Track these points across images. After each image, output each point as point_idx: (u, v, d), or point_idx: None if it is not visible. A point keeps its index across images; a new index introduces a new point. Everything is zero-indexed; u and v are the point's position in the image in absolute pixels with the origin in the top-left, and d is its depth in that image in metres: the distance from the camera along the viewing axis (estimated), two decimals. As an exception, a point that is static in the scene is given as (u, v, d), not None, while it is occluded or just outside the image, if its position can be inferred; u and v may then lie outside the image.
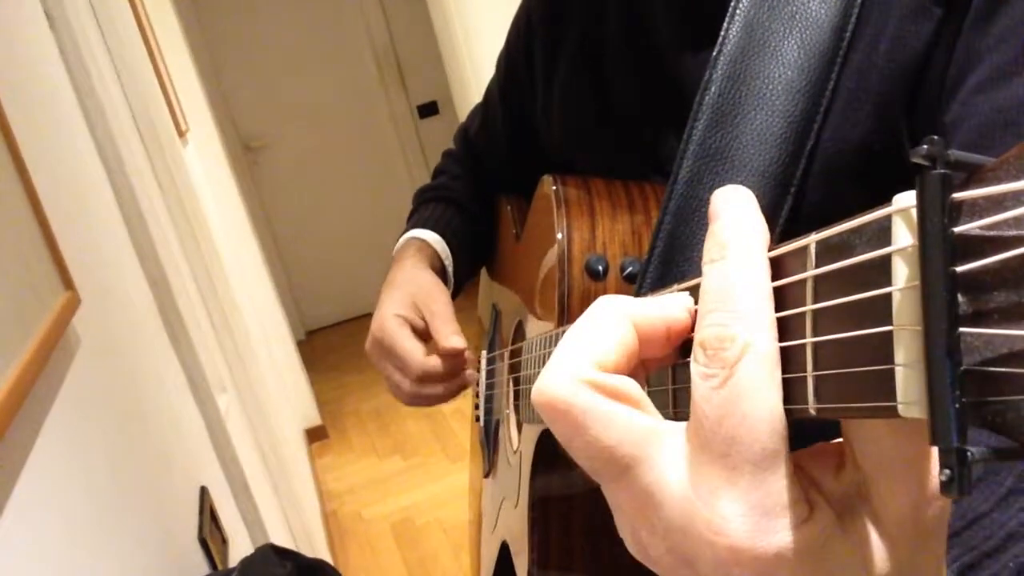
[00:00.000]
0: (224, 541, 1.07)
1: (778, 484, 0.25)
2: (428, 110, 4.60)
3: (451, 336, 0.81)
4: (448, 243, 0.94)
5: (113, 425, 0.85)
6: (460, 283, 0.97)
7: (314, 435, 3.48)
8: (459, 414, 3.25)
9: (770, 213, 0.57)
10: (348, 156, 4.57)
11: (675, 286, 0.34)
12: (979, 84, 0.49)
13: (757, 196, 0.27)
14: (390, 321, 0.83)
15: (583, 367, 0.27)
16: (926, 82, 0.53)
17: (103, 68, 1.25)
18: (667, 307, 0.30)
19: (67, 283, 0.75)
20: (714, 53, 0.58)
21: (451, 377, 0.83)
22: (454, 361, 0.82)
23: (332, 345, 4.48)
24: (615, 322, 0.29)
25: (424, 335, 0.85)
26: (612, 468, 0.27)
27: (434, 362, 0.81)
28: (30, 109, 0.88)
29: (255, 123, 4.41)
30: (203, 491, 1.07)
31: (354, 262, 4.59)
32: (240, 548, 1.20)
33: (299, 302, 4.65)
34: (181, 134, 2.34)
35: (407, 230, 0.97)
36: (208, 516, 1.03)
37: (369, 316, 0.88)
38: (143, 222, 1.19)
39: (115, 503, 0.78)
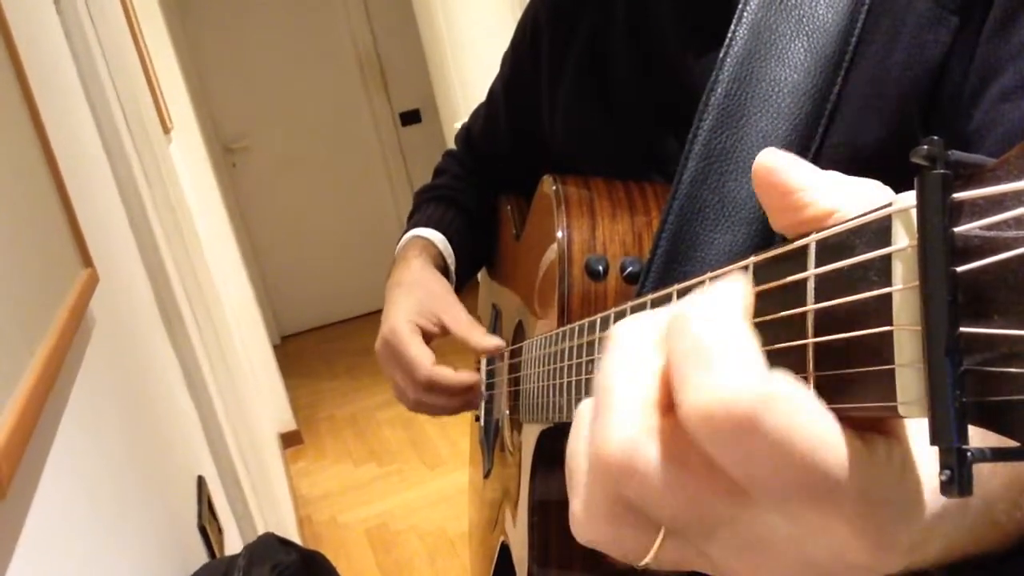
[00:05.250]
0: (219, 531, 1.06)
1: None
2: (411, 118, 4.58)
3: (485, 336, 0.81)
4: (451, 242, 0.94)
5: (124, 408, 0.84)
6: (462, 283, 0.97)
7: (288, 440, 3.43)
8: (436, 422, 3.24)
9: None
10: (328, 162, 4.54)
11: (675, 286, 0.34)
12: (1003, 92, 0.49)
13: None
14: (403, 326, 0.83)
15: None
16: (943, 90, 0.53)
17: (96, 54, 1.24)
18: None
19: (86, 260, 0.74)
20: (721, 54, 0.58)
21: (457, 391, 0.82)
22: (466, 381, 0.82)
23: (306, 351, 4.44)
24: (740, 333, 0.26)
25: (434, 340, 0.85)
26: None
27: (441, 371, 0.81)
28: (47, 85, 0.87)
29: (236, 124, 4.37)
30: (200, 480, 1.06)
31: (331, 268, 4.56)
32: (232, 540, 1.19)
33: (275, 307, 4.59)
34: (167, 130, 2.32)
35: (409, 229, 0.96)
36: (206, 505, 1.02)
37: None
38: (143, 211, 1.19)
39: (129, 486, 0.77)
